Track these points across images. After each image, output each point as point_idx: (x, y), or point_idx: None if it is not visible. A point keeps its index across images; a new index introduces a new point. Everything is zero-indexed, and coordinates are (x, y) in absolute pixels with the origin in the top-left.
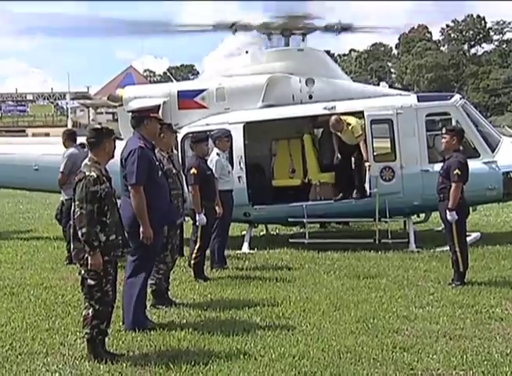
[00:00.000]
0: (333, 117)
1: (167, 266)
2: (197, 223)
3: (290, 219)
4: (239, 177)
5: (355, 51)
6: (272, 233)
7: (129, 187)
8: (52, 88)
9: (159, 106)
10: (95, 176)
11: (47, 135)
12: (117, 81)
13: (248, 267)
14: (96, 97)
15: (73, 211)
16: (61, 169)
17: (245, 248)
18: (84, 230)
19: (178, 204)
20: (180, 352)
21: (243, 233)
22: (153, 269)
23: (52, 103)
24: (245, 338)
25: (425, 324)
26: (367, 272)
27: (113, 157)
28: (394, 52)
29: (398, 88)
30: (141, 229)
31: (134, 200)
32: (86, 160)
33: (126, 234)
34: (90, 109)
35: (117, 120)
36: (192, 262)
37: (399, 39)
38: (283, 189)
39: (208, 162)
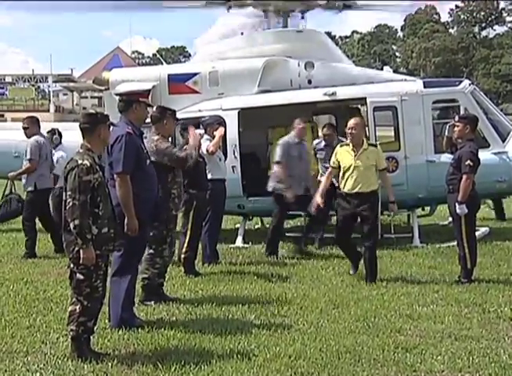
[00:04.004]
0: None
1: (163, 261)
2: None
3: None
4: (233, 167)
5: (357, 33)
6: (267, 226)
7: (115, 176)
8: (33, 70)
9: (149, 90)
10: (88, 165)
11: None
12: (103, 63)
13: (242, 262)
14: (81, 80)
15: (65, 201)
16: (29, 156)
17: (239, 242)
18: (76, 222)
19: (178, 195)
20: (169, 351)
21: (237, 225)
22: (148, 263)
23: (33, 85)
24: (238, 336)
25: (429, 324)
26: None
27: (107, 144)
28: (400, 34)
29: (403, 73)
30: (125, 220)
31: (119, 189)
32: (79, 148)
33: None
34: (74, 93)
35: (102, 105)
36: (183, 256)
37: (405, 21)
38: None
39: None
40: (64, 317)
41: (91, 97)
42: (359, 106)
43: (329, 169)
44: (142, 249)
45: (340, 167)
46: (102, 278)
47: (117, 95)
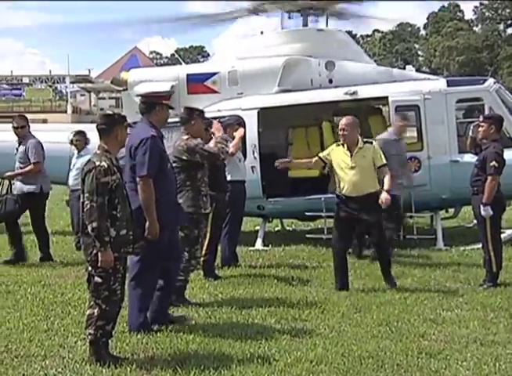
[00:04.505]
0: None
1: (197, 262)
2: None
3: (307, 213)
4: (252, 167)
5: (379, 31)
6: (287, 228)
7: (137, 179)
8: (50, 71)
9: (171, 92)
10: (106, 166)
11: (45, 121)
12: (121, 63)
13: (262, 265)
14: (98, 81)
15: (82, 203)
16: (36, 158)
17: (258, 245)
18: (94, 225)
19: (206, 193)
20: (189, 355)
21: (257, 228)
22: (184, 266)
23: (50, 86)
24: (258, 341)
25: (454, 328)
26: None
27: (124, 145)
28: (422, 32)
29: (426, 72)
30: (146, 224)
31: (142, 193)
32: (96, 149)
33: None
34: (91, 93)
35: (120, 105)
36: (202, 258)
37: (427, 19)
38: (299, 181)
39: None
40: (82, 321)
41: (109, 98)
42: (381, 105)
43: (316, 158)
44: (160, 253)
45: (325, 163)
46: (121, 281)
47: (137, 96)
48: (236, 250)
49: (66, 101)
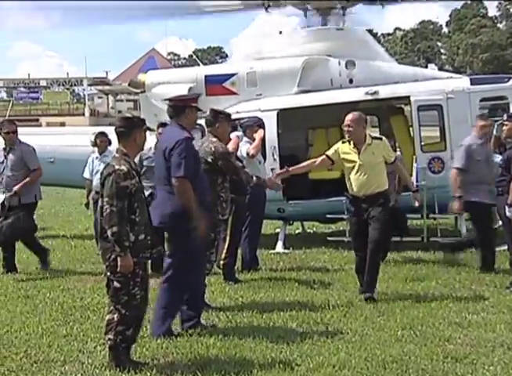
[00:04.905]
0: None
1: (211, 265)
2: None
3: (328, 216)
4: (272, 169)
5: (400, 30)
6: (308, 230)
7: (174, 180)
8: (67, 73)
9: (199, 95)
10: (126, 170)
11: (62, 124)
12: (139, 65)
13: (283, 268)
14: (116, 83)
15: (101, 208)
16: (36, 165)
17: (279, 248)
18: (114, 229)
19: (226, 199)
20: (209, 360)
21: (277, 230)
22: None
23: (67, 89)
24: (280, 345)
25: (480, 332)
26: (414, 274)
27: (142, 149)
28: (445, 30)
29: (449, 71)
30: (189, 224)
31: (182, 193)
32: (114, 153)
33: (163, 233)
34: (109, 96)
35: (138, 108)
36: (222, 262)
37: (450, 16)
38: (320, 183)
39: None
40: (101, 325)
41: (127, 100)
42: (403, 105)
43: (323, 157)
44: (195, 254)
45: (333, 161)
46: (140, 286)
47: (166, 100)
48: (256, 253)
49: (84, 104)
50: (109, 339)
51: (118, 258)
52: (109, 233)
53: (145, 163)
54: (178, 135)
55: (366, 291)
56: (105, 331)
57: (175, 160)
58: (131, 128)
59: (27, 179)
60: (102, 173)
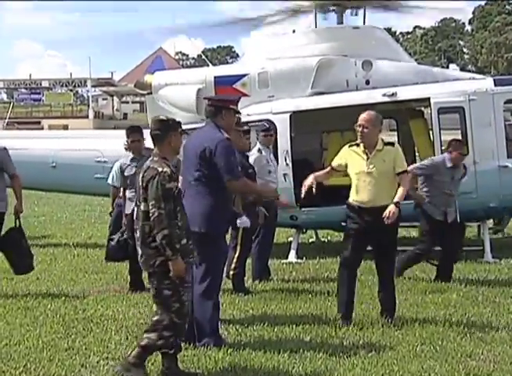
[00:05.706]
0: None
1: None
2: (238, 225)
3: (343, 224)
4: (284, 175)
5: (420, 28)
6: (322, 239)
7: (231, 183)
8: (71, 74)
9: (239, 97)
10: (169, 172)
11: (65, 127)
12: (145, 65)
13: (295, 279)
14: (121, 84)
15: (145, 212)
16: (15, 170)
17: (292, 257)
18: (165, 232)
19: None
20: (217, 375)
21: (290, 239)
22: None
23: (71, 90)
24: (292, 359)
25: (504, 348)
26: (434, 285)
27: (178, 153)
28: (468, 28)
29: (472, 71)
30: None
31: (243, 187)
32: (152, 156)
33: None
34: (114, 97)
35: (144, 110)
36: (231, 272)
37: (473, 13)
38: (335, 189)
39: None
40: (105, 338)
41: (133, 102)
42: (422, 107)
43: (328, 168)
44: (224, 258)
45: (337, 170)
46: (188, 292)
47: (204, 99)
48: (268, 263)
49: (88, 105)
50: (147, 337)
51: (170, 263)
52: (159, 236)
53: (125, 173)
54: (217, 135)
55: (390, 316)
56: (147, 329)
57: (226, 162)
58: (166, 131)
59: (18, 189)
60: (143, 176)
